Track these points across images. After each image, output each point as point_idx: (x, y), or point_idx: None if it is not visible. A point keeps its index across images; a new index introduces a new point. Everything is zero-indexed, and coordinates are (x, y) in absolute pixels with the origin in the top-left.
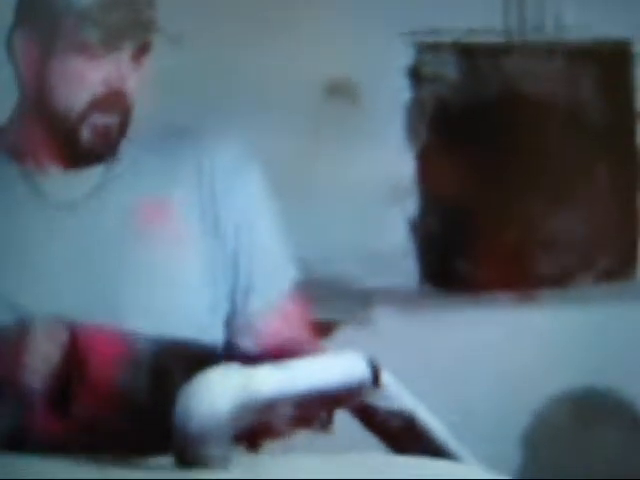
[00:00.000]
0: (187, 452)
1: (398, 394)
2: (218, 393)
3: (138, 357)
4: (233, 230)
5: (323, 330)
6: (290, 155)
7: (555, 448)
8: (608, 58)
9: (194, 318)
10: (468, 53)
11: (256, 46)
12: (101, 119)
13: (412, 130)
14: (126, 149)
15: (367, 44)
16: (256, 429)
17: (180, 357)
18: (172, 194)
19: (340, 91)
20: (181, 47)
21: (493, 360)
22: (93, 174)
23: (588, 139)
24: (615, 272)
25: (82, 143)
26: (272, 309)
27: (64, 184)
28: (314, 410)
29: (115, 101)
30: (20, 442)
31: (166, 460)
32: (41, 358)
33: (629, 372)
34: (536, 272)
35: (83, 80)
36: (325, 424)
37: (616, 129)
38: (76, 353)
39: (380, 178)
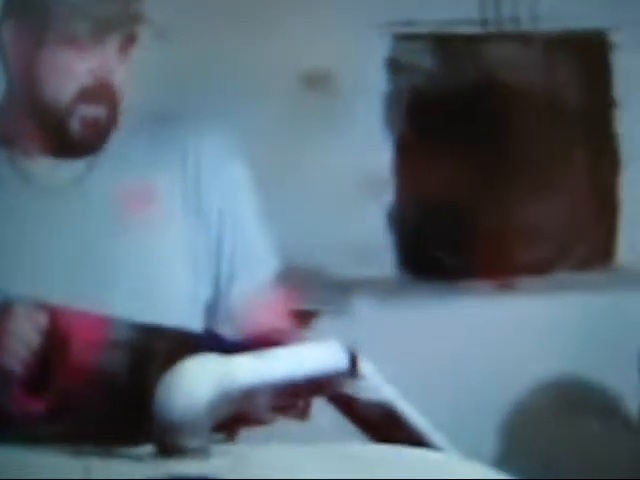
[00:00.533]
0: (167, 442)
1: (377, 384)
2: (197, 383)
3: (119, 341)
4: (217, 217)
5: (302, 319)
6: (268, 146)
7: (535, 436)
8: (585, 47)
9: (175, 304)
10: (445, 43)
11: (235, 38)
12: (89, 111)
13: (390, 120)
14: (112, 136)
15: (345, 35)
16: (235, 418)
17: (162, 342)
18: (157, 180)
19: (318, 82)
20: (165, 40)
21: (472, 349)
22: (80, 159)
23: (566, 127)
24: (594, 260)
25: (71, 135)
26: (254, 297)
27: (50, 169)
28: (292, 399)
29: (103, 92)
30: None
31: (147, 449)
32: (20, 341)
33: (608, 360)
34: (515, 260)
35: (71, 72)
36: (302, 412)
37: (594, 117)
38: (56, 336)
39: (358, 168)
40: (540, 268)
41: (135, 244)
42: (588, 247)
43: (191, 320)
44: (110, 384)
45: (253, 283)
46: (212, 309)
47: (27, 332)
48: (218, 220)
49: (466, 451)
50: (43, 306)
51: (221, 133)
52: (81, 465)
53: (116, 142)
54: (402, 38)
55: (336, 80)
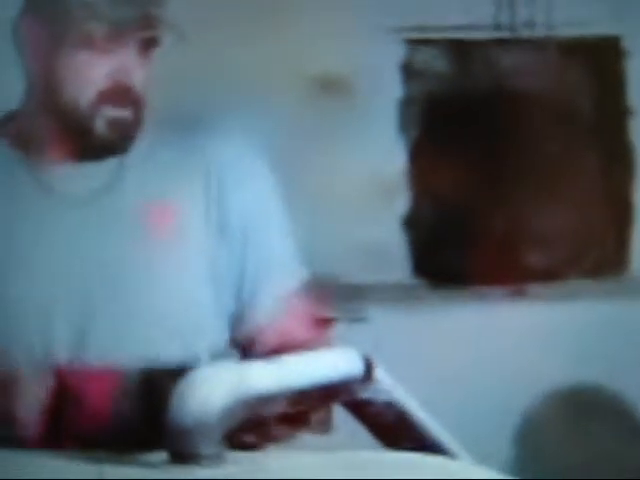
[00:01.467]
0: (180, 448)
1: (391, 389)
2: (211, 389)
3: (128, 387)
4: (240, 233)
5: (319, 326)
6: (281, 151)
7: (545, 443)
8: (599, 53)
9: (198, 320)
10: (459, 49)
11: (248, 43)
12: (113, 112)
13: (404, 125)
14: (135, 146)
15: (359, 40)
16: (251, 428)
17: (170, 381)
18: (179, 194)
19: (332, 87)
20: (184, 43)
21: (485, 354)
22: (101, 171)
23: (580, 134)
24: (606, 267)
25: (96, 135)
26: (279, 309)
27: (71, 180)
28: (308, 406)
29: (124, 95)
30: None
31: (160, 456)
32: (31, 402)
33: (620, 367)
34: (527, 266)
35: (89, 73)
36: (324, 424)
37: (608, 124)
38: (65, 394)
39: (372, 173)
40: (553, 275)
41: (155, 261)
42: (601, 254)
43: (215, 336)
44: (124, 427)
45: (277, 295)
46: (237, 323)
47: (36, 394)
48: (242, 237)
49: (478, 456)
50: (49, 366)
51: (244, 140)
52: (94, 471)
53: (138, 153)
54: (417, 43)
55: (350, 85)
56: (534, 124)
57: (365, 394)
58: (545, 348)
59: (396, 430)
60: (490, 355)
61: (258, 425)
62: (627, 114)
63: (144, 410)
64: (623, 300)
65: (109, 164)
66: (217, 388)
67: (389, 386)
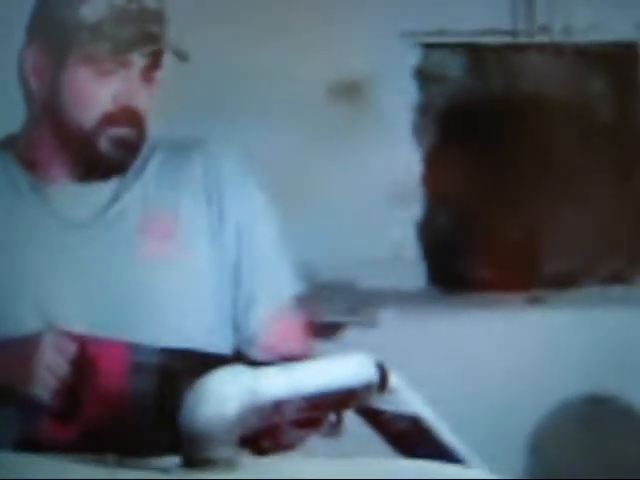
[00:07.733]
0: (194, 453)
1: (406, 396)
2: (225, 394)
3: (144, 365)
4: (235, 238)
5: (329, 331)
6: (296, 157)
7: (559, 452)
8: (616, 58)
9: (205, 332)
10: (476, 53)
11: (261, 48)
12: (117, 132)
13: (419, 131)
14: (135, 163)
15: (374, 44)
16: (264, 433)
17: (188, 364)
18: (180, 208)
19: (346, 92)
20: (190, 62)
21: (499, 362)
22: (104, 189)
23: (596, 140)
24: (622, 275)
25: (101, 154)
26: (274, 320)
27: (75, 200)
28: (321, 412)
29: (127, 116)
30: (29, 445)
31: (173, 461)
32: (50, 371)
33: (635, 377)
34: (542, 274)
35: (93, 95)
36: (335, 428)
37: (625, 129)
38: (84, 364)
39: (387, 179)
40: (570, 281)
41: (160, 275)
42: (618, 262)
43: (220, 345)
44: (138, 406)
45: (272, 305)
46: (236, 331)
47: (57, 362)
48: (237, 241)
49: (489, 465)
50: (71, 335)
51: (239, 157)
52: (107, 475)
53: (137, 171)
54: (432, 48)
55: (365, 90)
56: (551, 130)
57: (380, 402)
58: (561, 356)
59: (410, 438)
60: (505, 362)
61: (271, 430)
62: None
63: (158, 390)
64: (638, 308)
65: (111, 183)
66: (231, 393)
67: (405, 394)
